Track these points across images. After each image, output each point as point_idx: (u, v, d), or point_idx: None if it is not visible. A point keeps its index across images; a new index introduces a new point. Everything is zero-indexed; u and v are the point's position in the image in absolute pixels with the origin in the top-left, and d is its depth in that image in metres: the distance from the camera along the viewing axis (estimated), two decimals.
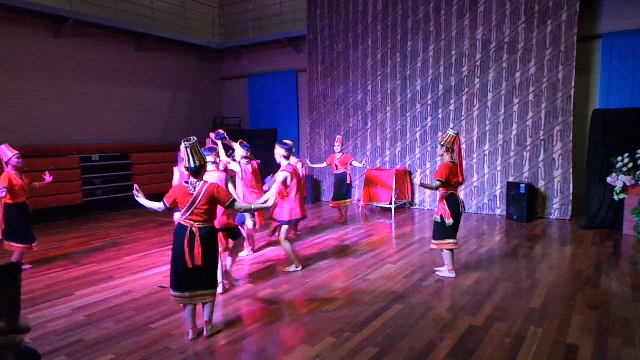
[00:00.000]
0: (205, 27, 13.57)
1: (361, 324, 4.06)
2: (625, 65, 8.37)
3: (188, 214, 3.69)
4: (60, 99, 10.15)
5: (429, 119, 9.95)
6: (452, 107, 9.65)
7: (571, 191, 8.55)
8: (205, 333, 3.88)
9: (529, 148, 8.90)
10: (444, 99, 9.74)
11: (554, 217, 8.72)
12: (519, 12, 8.81)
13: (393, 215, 9.40)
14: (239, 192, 5.79)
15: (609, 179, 7.38)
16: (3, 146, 5.79)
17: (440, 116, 9.80)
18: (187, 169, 3.73)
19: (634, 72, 8.28)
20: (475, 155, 9.47)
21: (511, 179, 9.02)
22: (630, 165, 7.18)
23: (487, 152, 9.34)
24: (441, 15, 9.61)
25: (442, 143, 5.21)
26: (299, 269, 5.73)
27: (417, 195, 10.35)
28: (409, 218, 9.26)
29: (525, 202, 8.36)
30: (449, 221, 5.18)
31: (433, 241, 5.39)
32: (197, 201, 3.66)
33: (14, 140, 9.20)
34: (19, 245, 5.73)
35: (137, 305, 4.63)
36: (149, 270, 5.84)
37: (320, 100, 11.54)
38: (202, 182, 3.74)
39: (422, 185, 5.22)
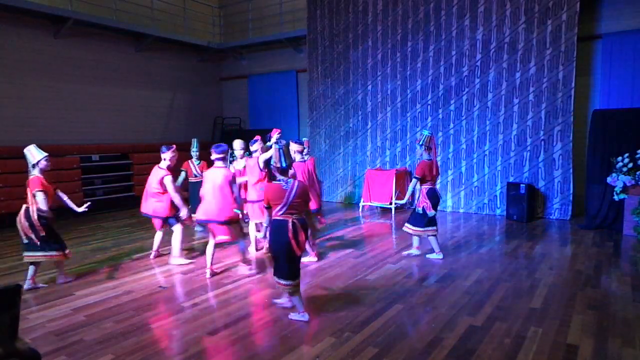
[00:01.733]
0: (205, 27, 13.58)
1: (361, 324, 4.06)
2: (625, 65, 8.37)
3: (285, 208, 4.04)
4: (60, 99, 10.15)
5: (429, 119, 9.95)
6: (452, 107, 9.65)
7: (571, 191, 8.55)
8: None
9: (529, 148, 8.90)
10: (444, 99, 9.73)
11: (554, 217, 8.72)
12: (519, 12, 8.81)
13: (393, 215, 9.40)
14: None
15: (609, 179, 7.38)
16: (32, 147, 5.19)
17: (440, 116, 9.80)
18: (278, 168, 4.17)
19: (634, 72, 8.28)
20: (475, 155, 9.47)
21: (511, 179, 9.01)
22: (630, 165, 7.18)
23: (487, 152, 9.34)
24: (441, 16, 9.61)
25: (421, 143, 5.87)
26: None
27: (417, 196, 10.33)
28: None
29: (525, 202, 8.36)
30: (431, 212, 5.87)
31: (411, 227, 6.06)
32: (292, 196, 4.03)
33: (13, 140, 9.22)
34: (54, 254, 5.20)
35: (137, 305, 4.63)
36: (149, 270, 5.84)
37: (320, 100, 11.53)
38: (293, 179, 4.18)
39: (407, 195, 6.20)
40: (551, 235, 7.56)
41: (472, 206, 9.53)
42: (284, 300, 4.50)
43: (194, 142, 8.14)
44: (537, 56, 8.69)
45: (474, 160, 9.48)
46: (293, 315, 4.23)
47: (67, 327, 4.13)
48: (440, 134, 9.81)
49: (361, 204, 10.19)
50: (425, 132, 5.93)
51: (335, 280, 5.35)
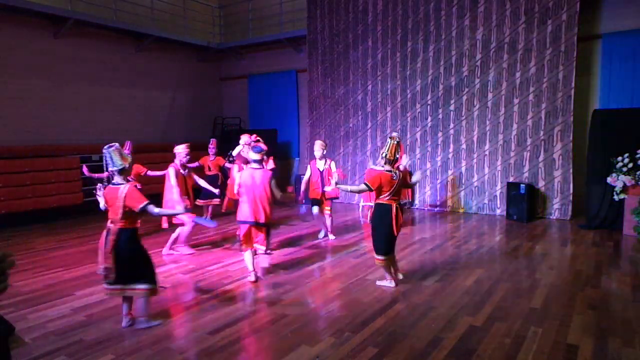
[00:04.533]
0: (205, 27, 13.57)
1: (361, 324, 4.06)
2: (625, 65, 8.37)
3: (391, 194, 4.71)
4: (60, 99, 10.15)
5: (429, 119, 9.95)
6: (452, 107, 9.65)
7: (571, 191, 8.55)
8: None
9: (529, 148, 8.90)
10: (444, 99, 9.73)
11: (554, 217, 8.72)
12: (519, 12, 8.81)
13: None
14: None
15: (609, 179, 7.38)
16: (118, 146, 3.99)
17: (440, 116, 9.80)
18: (389, 160, 4.73)
19: (634, 72, 8.28)
20: (475, 155, 9.47)
21: (511, 179, 9.01)
22: (630, 165, 7.18)
23: (487, 152, 9.34)
24: (441, 15, 9.61)
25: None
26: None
27: (417, 196, 10.34)
28: (409, 218, 9.24)
29: (525, 202, 8.36)
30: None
31: None
32: (397, 184, 4.71)
33: (14, 140, 9.22)
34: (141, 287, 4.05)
35: (137, 305, 4.62)
36: None
37: (320, 100, 11.53)
38: (398, 171, 4.78)
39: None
40: (551, 235, 7.55)
41: (472, 206, 9.54)
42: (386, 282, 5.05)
43: (128, 144, 7.35)
44: (537, 56, 8.69)
45: (474, 160, 9.48)
46: (380, 282, 5.02)
47: (67, 327, 4.13)
48: (440, 134, 9.81)
49: (361, 204, 10.17)
50: (394, 134, 7.24)
51: (335, 280, 5.35)
